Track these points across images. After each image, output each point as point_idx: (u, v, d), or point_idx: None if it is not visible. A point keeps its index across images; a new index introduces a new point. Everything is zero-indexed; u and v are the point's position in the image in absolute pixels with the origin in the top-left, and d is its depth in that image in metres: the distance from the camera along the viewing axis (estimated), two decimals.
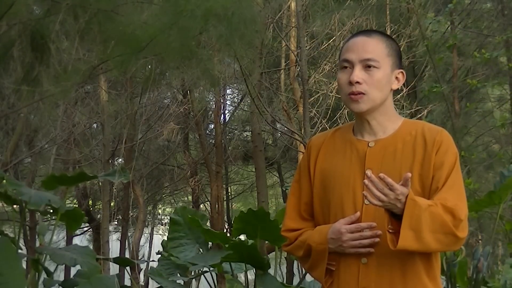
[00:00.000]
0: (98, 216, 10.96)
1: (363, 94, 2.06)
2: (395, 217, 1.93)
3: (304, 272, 4.68)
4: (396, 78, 2.13)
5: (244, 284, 4.21)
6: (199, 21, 3.67)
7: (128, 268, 5.46)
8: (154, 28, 3.63)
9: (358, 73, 2.06)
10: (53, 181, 4.03)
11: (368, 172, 1.89)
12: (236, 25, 3.76)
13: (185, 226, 4.34)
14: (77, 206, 10.61)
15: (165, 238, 4.47)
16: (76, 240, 12.16)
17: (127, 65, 3.84)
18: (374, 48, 2.08)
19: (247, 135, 12.92)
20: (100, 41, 3.79)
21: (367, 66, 2.07)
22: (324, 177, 2.15)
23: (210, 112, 11.64)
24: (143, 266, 9.94)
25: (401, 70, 2.15)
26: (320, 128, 7.66)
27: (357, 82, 2.05)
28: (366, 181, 1.88)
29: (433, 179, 2.03)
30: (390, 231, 1.93)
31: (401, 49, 2.25)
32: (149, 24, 3.68)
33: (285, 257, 9.20)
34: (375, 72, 2.07)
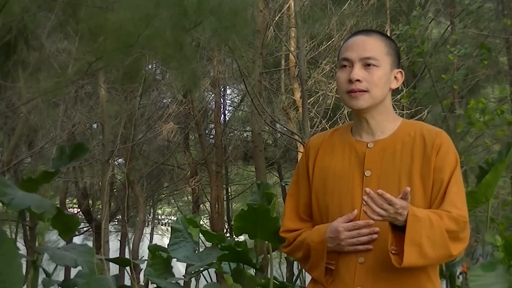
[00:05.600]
0: (98, 216, 10.94)
1: (365, 91, 2.05)
2: (396, 228, 1.93)
3: (299, 270, 4.68)
4: (395, 77, 2.13)
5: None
6: (192, 15, 3.65)
7: (128, 268, 5.46)
8: (146, 23, 3.61)
9: (358, 71, 2.06)
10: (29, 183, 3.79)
11: (367, 189, 1.88)
12: (229, 17, 3.74)
13: (185, 232, 4.40)
14: (75, 213, 10.60)
15: (156, 243, 4.52)
16: (76, 240, 12.15)
17: (121, 61, 3.82)
18: (373, 46, 2.08)
19: (247, 135, 12.90)
20: (93, 38, 3.78)
21: (367, 64, 2.07)
22: (323, 178, 2.14)
23: (210, 112, 11.62)
24: (143, 266, 9.92)
25: (400, 70, 2.15)
26: (320, 128, 7.65)
27: (357, 80, 2.05)
28: (365, 197, 1.87)
29: (434, 183, 2.02)
30: (393, 252, 1.92)
31: (400, 50, 2.26)
32: (142, 19, 3.66)
33: (285, 257, 9.19)
34: (375, 70, 2.07)
